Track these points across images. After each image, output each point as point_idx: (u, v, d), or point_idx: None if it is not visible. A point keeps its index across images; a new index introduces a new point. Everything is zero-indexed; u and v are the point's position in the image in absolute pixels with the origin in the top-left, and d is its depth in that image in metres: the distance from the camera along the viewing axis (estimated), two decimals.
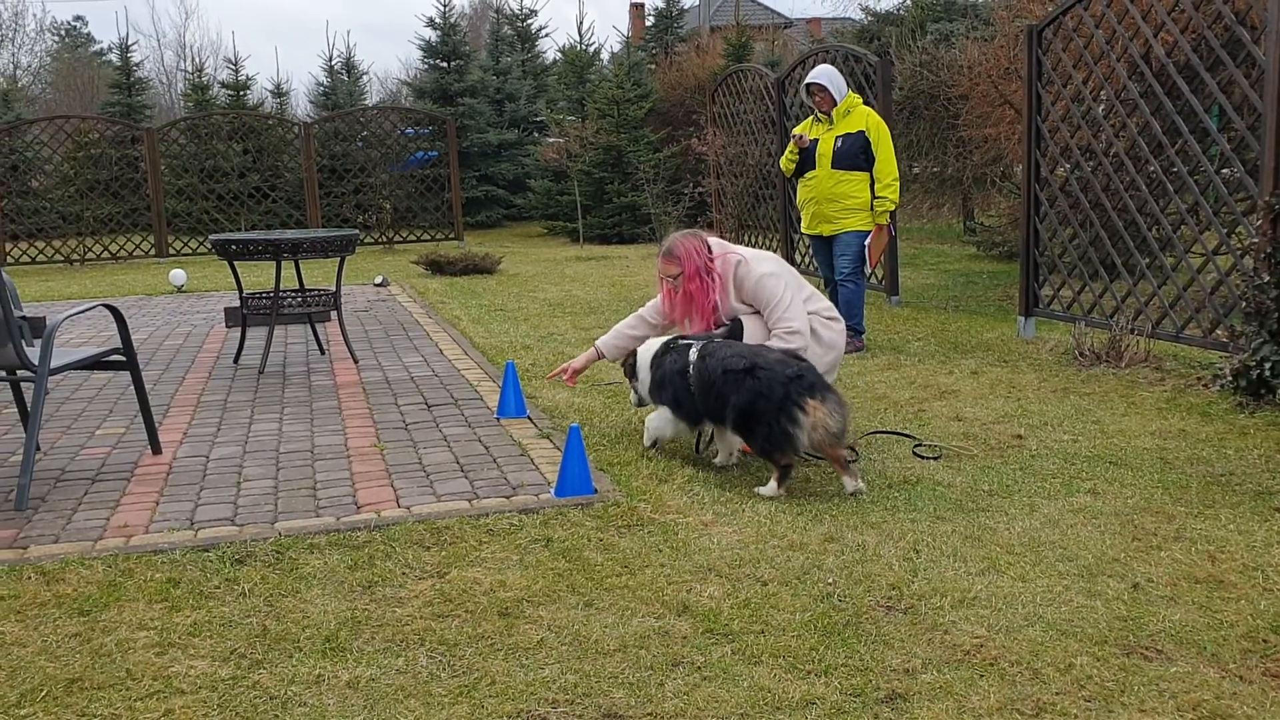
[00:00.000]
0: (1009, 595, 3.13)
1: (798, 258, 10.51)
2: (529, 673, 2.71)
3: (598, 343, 5.04)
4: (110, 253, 14.95)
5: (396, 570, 3.34)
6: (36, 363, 4.02)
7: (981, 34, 12.83)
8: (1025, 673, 2.69)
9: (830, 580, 3.23)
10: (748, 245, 11.52)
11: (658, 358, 4.44)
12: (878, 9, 17.08)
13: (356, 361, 6.64)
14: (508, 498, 3.92)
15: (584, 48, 19.29)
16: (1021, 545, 3.52)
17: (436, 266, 11.90)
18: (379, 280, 11.13)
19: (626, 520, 3.70)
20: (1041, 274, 7.36)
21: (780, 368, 4.04)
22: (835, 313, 5.00)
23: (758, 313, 4.75)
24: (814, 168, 7.20)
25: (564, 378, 5.05)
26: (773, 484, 4.03)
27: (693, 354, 4.26)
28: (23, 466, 3.98)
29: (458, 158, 16.53)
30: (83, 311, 4.43)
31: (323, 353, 7.01)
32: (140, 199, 15.43)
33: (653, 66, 19.92)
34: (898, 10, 16.23)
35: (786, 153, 7.47)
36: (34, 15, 69.64)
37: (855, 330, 7.05)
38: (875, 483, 4.20)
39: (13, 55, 35.08)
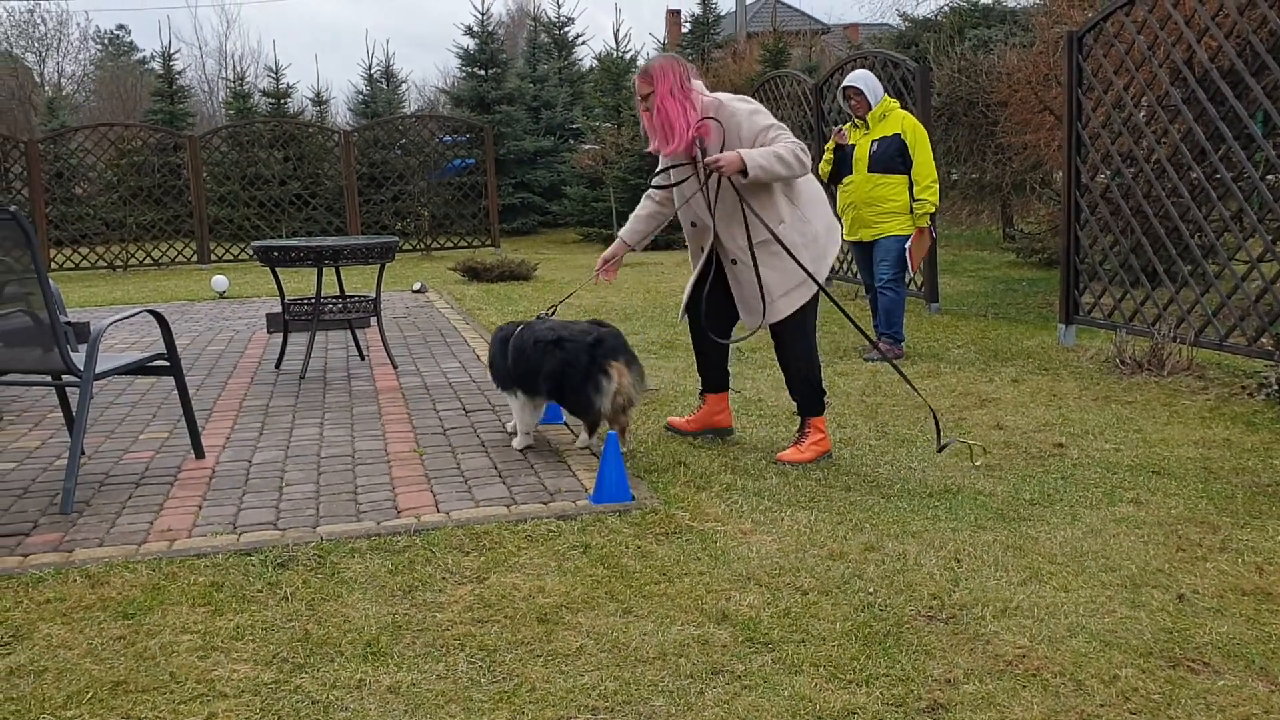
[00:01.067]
0: (1051, 605, 3.10)
1: (836, 264, 10.47)
2: (568, 679, 2.71)
3: (620, 233, 4.94)
4: (153, 259, 15.15)
5: (436, 575, 3.36)
6: (82, 368, 4.08)
7: (1020, 40, 12.75)
8: (1069, 684, 2.66)
9: (871, 590, 3.21)
10: None
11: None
12: (915, 15, 17.02)
13: (396, 367, 6.68)
14: (545, 504, 3.93)
15: (620, 54, 19.33)
16: (1064, 555, 3.49)
17: (473, 273, 11.96)
18: (417, 287, 11.20)
19: (664, 528, 3.70)
20: (1082, 281, 7.29)
21: (583, 337, 4.47)
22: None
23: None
24: (851, 172, 7.18)
25: (605, 276, 4.91)
26: (584, 434, 4.67)
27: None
28: (68, 470, 4.04)
29: (494, 165, 16.60)
30: (127, 317, 4.49)
31: (362, 358, 7.06)
32: (182, 206, 15.63)
33: None
34: (936, 16, 16.15)
35: (826, 152, 7.47)
36: (78, 24, 70.69)
37: (895, 338, 7.01)
38: (915, 491, 4.17)
39: (57, 64, 35.74)
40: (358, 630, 3.02)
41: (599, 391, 4.43)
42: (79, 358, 4.12)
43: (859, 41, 26.10)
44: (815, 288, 4.51)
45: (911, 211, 6.99)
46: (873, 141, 7.05)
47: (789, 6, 39.80)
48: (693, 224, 4.69)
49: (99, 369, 4.14)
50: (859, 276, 7.81)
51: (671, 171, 4.59)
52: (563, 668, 2.78)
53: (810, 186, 4.61)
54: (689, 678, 2.71)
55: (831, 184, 7.54)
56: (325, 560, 3.47)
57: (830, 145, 7.43)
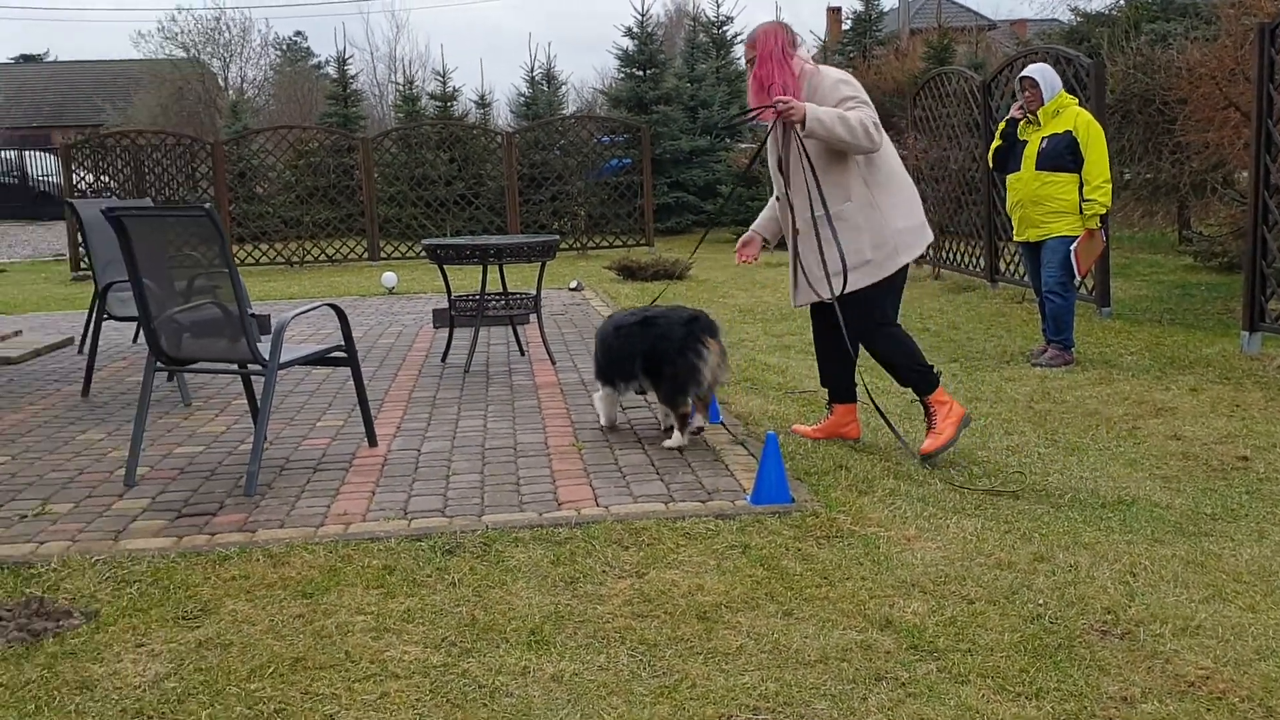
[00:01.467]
0: (1237, 626, 2.94)
1: (1003, 266, 10.16)
2: (729, 678, 2.72)
3: (753, 227, 5.03)
4: (327, 255, 15.82)
5: (597, 568, 3.41)
6: (267, 358, 4.29)
7: (1202, 34, 12.11)
8: (1258, 710, 2.52)
9: (1040, 601, 3.11)
10: (946, 254, 11.23)
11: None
12: (1088, 9, 16.35)
13: (554, 363, 6.81)
14: (703, 502, 3.94)
15: None
16: (1250, 573, 3.31)
17: (628, 272, 12.08)
18: (574, 285, 11.38)
19: (825, 531, 3.66)
20: (1269, 286, 6.88)
21: (675, 314, 4.71)
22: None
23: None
24: (1019, 168, 6.96)
25: (744, 258, 4.99)
26: (676, 435, 4.66)
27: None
28: (252, 454, 4.26)
29: (650, 164, 16.72)
30: (307, 311, 4.70)
31: (523, 354, 7.22)
32: (354, 205, 16.27)
33: (850, 70, 19.67)
34: (1109, 11, 15.48)
35: (996, 132, 7.29)
36: (259, 31, 74.53)
37: (1064, 344, 6.76)
38: (1087, 501, 4.02)
39: (240, 69, 37.68)
40: (522, 618, 3.08)
41: (701, 360, 4.54)
42: (263, 348, 4.34)
43: (1026, 37, 25.25)
44: (880, 274, 4.48)
45: (1081, 212, 6.72)
46: (1043, 138, 6.81)
47: (954, 2, 38.82)
48: (776, 198, 4.78)
49: (282, 359, 4.35)
50: (1026, 279, 7.55)
51: (744, 113, 4.67)
52: (723, 666, 2.78)
53: (895, 176, 4.55)
54: (851, 682, 2.68)
55: (998, 172, 7.33)
56: (490, 548, 3.56)
57: (1001, 127, 7.22)
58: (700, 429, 4.75)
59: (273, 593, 3.30)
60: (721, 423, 5.06)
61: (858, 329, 4.59)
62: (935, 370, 4.66)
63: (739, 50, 21.70)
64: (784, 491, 3.88)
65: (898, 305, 4.69)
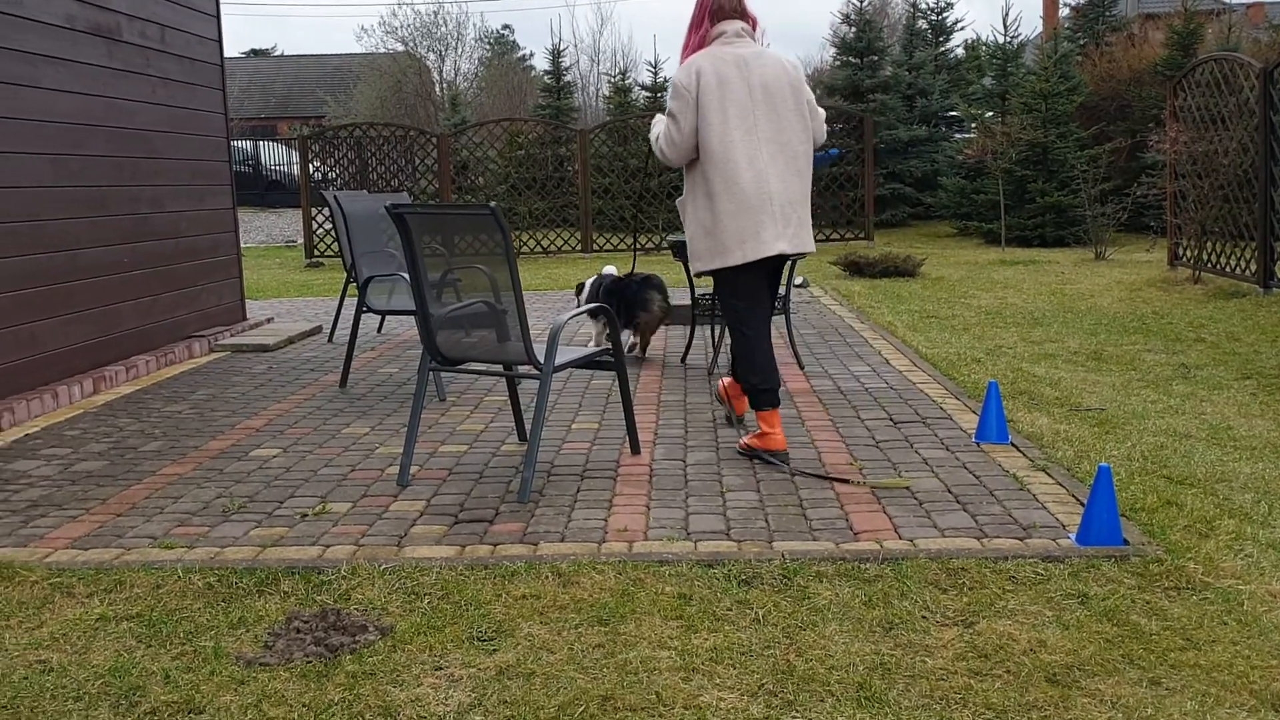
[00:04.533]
0: None
1: (1279, 270, 9.23)
2: None
3: None
4: (542, 247, 15.95)
5: (916, 612, 3.08)
6: (542, 360, 4.14)
7: None
8: None
9: None
10: (1209, 255, 10.19)
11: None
12: None
13: (803, 368, 6.48)
14: (1021, 540, 3.54)
15: (1008, 40, 18.24)
16: None
17: (855, 268, 11.64)
18: (799, 281, 11.01)
19: (1173, 581, 3.22)
20: None
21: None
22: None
23: None
24: None
25: None
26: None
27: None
28: (526, 460, 4.11)
29: (871, 156, 16.15)
30: (579, 314, 4.54)
31: None
32: (566, 196, 16.35)
33: (1080, 58, 18.54)
34: None
35: None
36: (474, 25, 76.77)
37: None
38: None
39: (454, 62, 38.74)
40: (843, 668, 2.78)
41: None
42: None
43: (1259, 21, 23.29)
44: (715, 263, 4.47)
45: None
46: None
47: None
48: None
49: (556, 362, 4.19)
50: None
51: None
52: None
53: (728, 183, 4.37)
54: None
55: None
56: (791, 582, 3.28)
57: None
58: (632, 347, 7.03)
59: (566, 616, 3.11)
60: (1013, 444, 4.63)
61: (723, 310, 4.74)
62: (770, 392, 4.53)
63: (958, 38, 20.84)
64: (1116, 532, 3.44)
65: (754, 312, 4.56)
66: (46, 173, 6.07)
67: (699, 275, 4.77)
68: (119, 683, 2.77)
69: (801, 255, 4.66)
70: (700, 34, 4.51)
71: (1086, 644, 2.87)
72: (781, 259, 4.52)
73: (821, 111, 4.65)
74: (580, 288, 7.45)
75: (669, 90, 4.47)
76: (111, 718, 2.61)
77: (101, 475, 4.59)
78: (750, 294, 4.52)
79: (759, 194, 4.37)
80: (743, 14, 4.52)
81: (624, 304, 6.62)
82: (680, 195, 4.64)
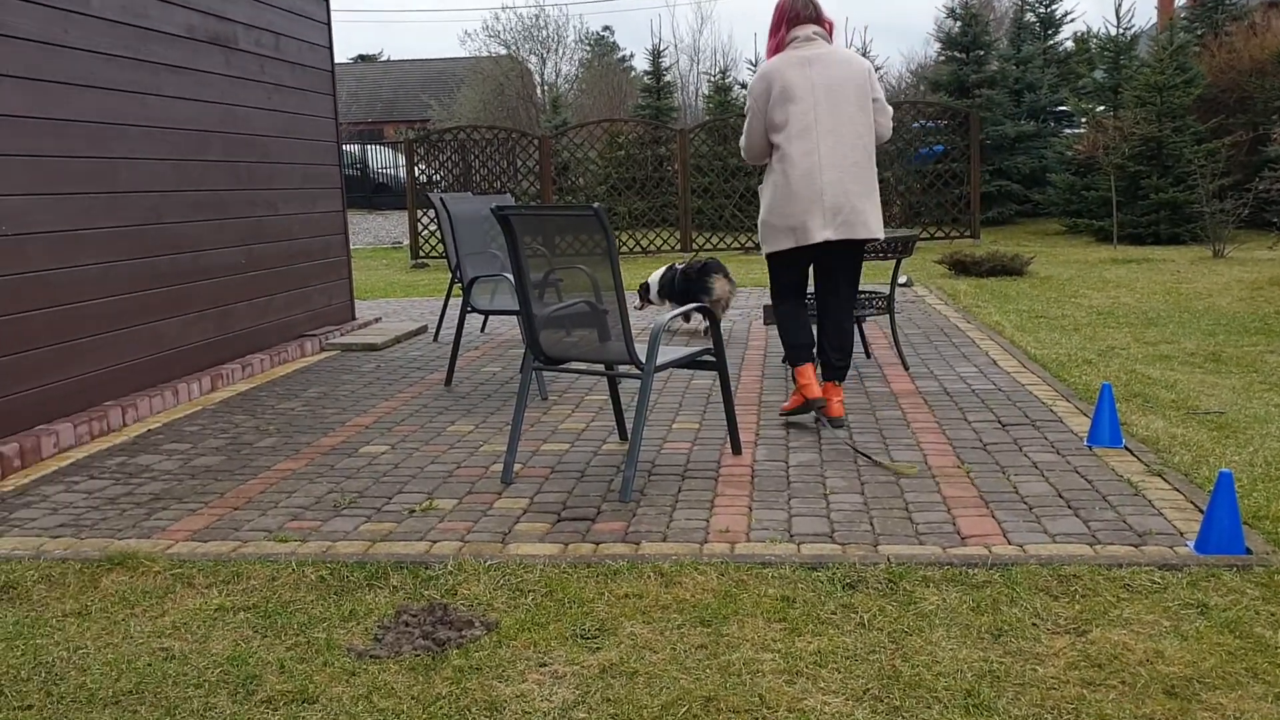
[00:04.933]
0: None
1: None
2: None
3: None
4: (641, 247, 16.01)
5: (1026, 620, 3.01)
6: (644, 360, 4.15)
7: None
8: None
9: None
10: None
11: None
12: None
13: (908, 369, 6.39)
14: (1136, 547, 3.44)
15: (1121, 32, 17.70)
16: None
17: (961, 267, 11.41)
18: (904, 280, 10.85)
19: None
20: None
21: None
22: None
23: None
24: None
25: None
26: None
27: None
28: (628, 459, 4.13)
29: (978, 152, 15.82)
30: (683, 313, 4.54)
31: (868, 356, 6.84)
32: (665, 196, 16.37)
33: (1197, 49, 17.89)
34: None
35: None
36: (574, 27, 77.38)
37: None
38: None
39: (555, 64, 39.13)
40: (950, 675, 2.74)
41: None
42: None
43: None
44: (772, 245, 5.00)
45: None
46: None
47: None
48: None
49: (658, 361, 4.20)
50: None
51: None
52: None
53: (776, 177, 4.89)
54: None
55: None
56: (897, 586, 3.23)
57: None
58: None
59: (669, 616, 3.12)
60: (1127, 448, 4.49)
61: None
62: (806, 350, 5.09)
63: (1068, 30, 20.30)
64: (1238, 540, 3.32)
65: (792, 289, 5.13)
66: (169, 177, 6.31)
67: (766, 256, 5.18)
68: (236, 671, 2.87)
69: (864, 241, 4.99)
70: (778, 38, 4.96)
71: (1207, 656, 2.77)
72: (838, 246, 4.92)
73: (889, 109, 4.96)
74: (645, 288, 8.45)
75: (748, 89, 5.05)
76: (229, 705, 2.71)
77: (219, 470, 4.75)
78: (790, 276, 5.11)
79: (810, 187, 4.81)
80: (817, 19, 4.92)
81: (689, 292, 7.67)
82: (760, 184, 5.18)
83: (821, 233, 4.82)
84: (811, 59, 4.81)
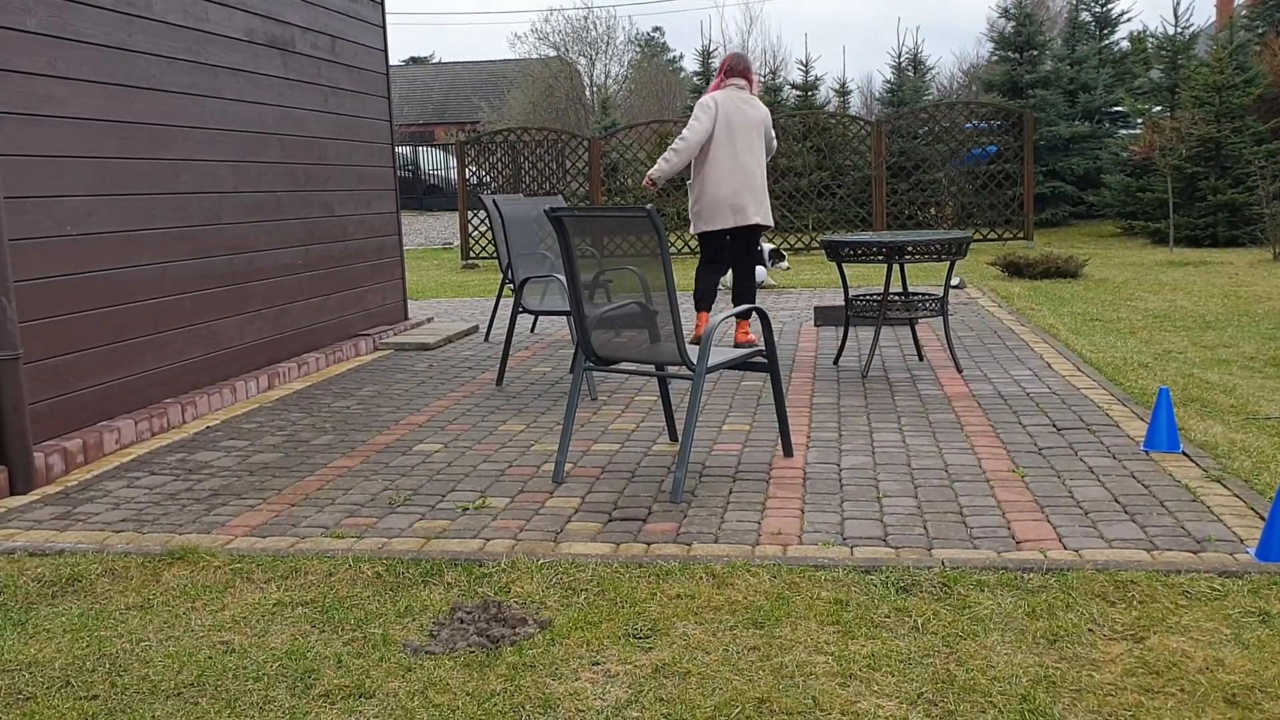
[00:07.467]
0: None
1: None
2: None
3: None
4: (690, 248, 15.97)
5: (1082, 625, 2.98)
6: (695, 361, 4.16)
7: None
8: None
9: None
10: None
11: None
12: None
13: (961, 371, 6.34)
14: (1195, 553, 3.39)
15: (1179, 31, 17.42)
16: None
17: (1014, 268, 11.29)
18: (956, 282, 10.76)
19: None
20: None
21: None
22: None
23: None
24: None
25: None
26: None
27: None
28: (679, 460, 4.14)
29: (1031, 153, 15.64)
30: (733, 315, 4.54)
31: (920, 359, 6.79)
32: None
33: (1258, 48, 17.55)
34: None
35: None
36: (623, 28, 77.51)
37: None
38: None
39: (604, 66, 39.21)
40: (1005, 680, 2.72)
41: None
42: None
43: None
44: (702, 226, 7.00)
45: None
46: None
47: None
48: None
49: (709, 363, 4.21)
50: None
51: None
52: None
53: (705, 173, 6.88)
54: None
55: None
56: (951, 590, 3.22)
57: None
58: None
59: (720, 617, 3.13)
60: (1185, 453, 4.43)
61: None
62: (706, 302, 7.23)
63: (1124, 29, 20.00)
64: None
65: (713, 255, 7.15)
66: (228, 179, 6.42)
67: (693, 235, 7.15)
68: (295, 665, 2.92)
69: (763, 228, 7.05)
70: (720, 81, 7.06)
71: (1269, 665, 2.73)
72: (744, 229, 6.94)
73: (775, 140, 7.20)
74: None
75: (696, 106, 6.95)
76: (288, 698, 2.75)
77: (276, 467, 4.83)
78: (714, 250, 7.11)
79: (730, 184, 6.81)
80: (745, 74, 7.05)
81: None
82: (689, 181, 7.08)
83: (730, 219, 6.86)
84: (740, 100, 6.92)
